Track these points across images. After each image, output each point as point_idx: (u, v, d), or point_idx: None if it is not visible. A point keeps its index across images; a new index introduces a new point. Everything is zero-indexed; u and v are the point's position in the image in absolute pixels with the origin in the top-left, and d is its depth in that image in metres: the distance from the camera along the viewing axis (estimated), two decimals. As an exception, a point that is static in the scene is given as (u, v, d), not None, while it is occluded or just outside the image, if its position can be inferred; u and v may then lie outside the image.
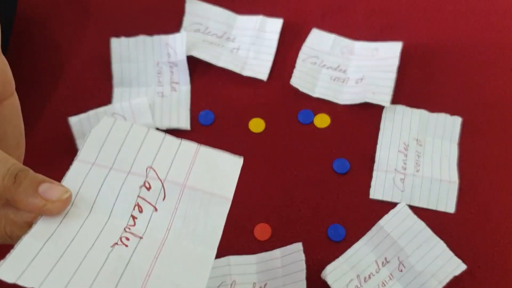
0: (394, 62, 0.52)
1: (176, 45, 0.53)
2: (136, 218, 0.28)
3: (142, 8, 0.58)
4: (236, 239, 0.46)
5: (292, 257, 0.43)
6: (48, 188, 0.26)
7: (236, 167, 0.30)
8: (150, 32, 0.54)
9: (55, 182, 0.27)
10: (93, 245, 0.26)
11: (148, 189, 0.28)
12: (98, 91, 0.53)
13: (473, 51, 0.55)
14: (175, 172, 0.29)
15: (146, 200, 0.28)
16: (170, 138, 0.30)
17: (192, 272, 0.27)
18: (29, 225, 0.27)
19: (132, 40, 0.54)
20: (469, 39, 0.56)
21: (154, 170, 0.29)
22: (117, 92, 0.53)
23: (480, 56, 0.55)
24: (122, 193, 0.28)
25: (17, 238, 0.26)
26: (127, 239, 0.27)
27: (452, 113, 0.51)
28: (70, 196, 0.27)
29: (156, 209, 0.28)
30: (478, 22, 0.57)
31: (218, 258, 0.44)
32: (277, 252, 0.44)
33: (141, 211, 0.28)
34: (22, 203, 0.26)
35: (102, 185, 0.28)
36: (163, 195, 0.29)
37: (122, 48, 0.54)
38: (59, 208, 0.26)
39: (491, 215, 0.47)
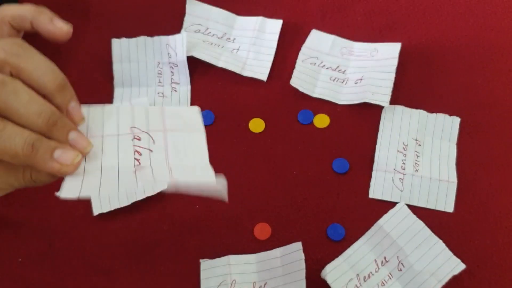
0: (393, 62, 0.52)
1: (177, 46, 0.53)
2: (139, 159, 0.34)
3: (142, 9, 0.59)
4: (236, 239, 0.46)
5: (291, 256, 0.43)
6: (62, 153, 0.31)
7: (197, 114, 0.37)
8: (151, 32, 0.54)
9: (67, 146, 0.31)
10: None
11: (139, 139, 0.34)
12: (98, 91, 0.54)
13: (472, 51, 0.55)
14: (153, 125, 0.35)
15: (141, 147, 0.34)
16: (138, 107, 0.36)
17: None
18: (52, 175, 0.32)
19: (132, 41, 0.54)
20: (468, 39, 0.56)
21: (137, 128, 0.35)
22: (117, 92, 0.54)
23: (479, 56, 0.55)
24: (120, 148, 0.34)
25: (41, 181, 0.32)
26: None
27: (451, 113, 0.51)
28: (81, 158, 0.32)
29: (151, 151, 0.34)
30: (477, 22, 0.57)
31: (218, 258, 0.45)
32: (277, 252, 0.44)
33: (140, 154, 0.34)
34: (41, 167, 0.31)
35: (102, 148, 0.33)
36: (152, 140, 0.35)
37: (122, 49, 0.54)
38: (74, 169, 0.31)
39: (490, 215, 0.47)
